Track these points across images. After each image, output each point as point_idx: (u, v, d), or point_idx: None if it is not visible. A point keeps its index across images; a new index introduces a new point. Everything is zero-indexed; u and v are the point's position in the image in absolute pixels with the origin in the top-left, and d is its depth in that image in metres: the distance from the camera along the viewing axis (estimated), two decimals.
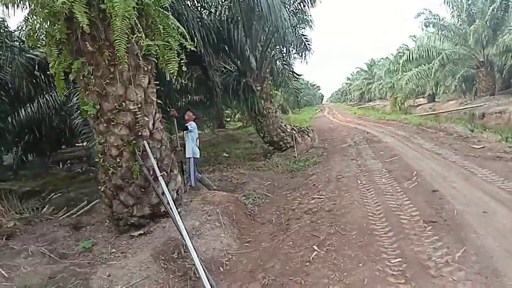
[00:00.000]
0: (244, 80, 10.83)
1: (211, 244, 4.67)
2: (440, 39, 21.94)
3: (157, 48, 4.99)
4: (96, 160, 5.24)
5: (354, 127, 18.42)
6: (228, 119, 30.52)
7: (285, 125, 12.13)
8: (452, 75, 24.27)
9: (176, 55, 5.07)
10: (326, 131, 18.17)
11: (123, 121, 4.80)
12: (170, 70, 4.97)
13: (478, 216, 4.19)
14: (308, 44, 13.32)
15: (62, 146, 17.89)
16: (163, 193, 5.06)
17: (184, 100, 15.82)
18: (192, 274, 4.04)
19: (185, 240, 3.85)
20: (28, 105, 10.80)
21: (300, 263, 3.87)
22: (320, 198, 6.03)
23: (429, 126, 14.44)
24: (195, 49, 8.65)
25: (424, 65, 22.63)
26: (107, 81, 4.69)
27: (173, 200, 5.32)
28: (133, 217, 5.01)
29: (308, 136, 12.40)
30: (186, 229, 3.96)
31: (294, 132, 11.96)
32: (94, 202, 7.69)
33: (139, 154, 4.83)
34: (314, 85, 77.43)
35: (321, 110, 53.54)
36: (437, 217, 4.31)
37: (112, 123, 4.79)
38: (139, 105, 4.90)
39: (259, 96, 11.46)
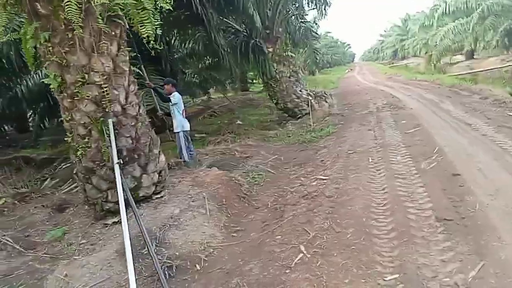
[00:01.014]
0: (253, 41, 9.90)
1: (190, 236, 4.12)
2: None
3: (127, 8, 4.30)
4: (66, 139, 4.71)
5: (381, 89, 17.12)
6: (255, 81, 29.35)
7: (300, 90, 11.22)
8: (494, 29, 21.87)
9: (152, 15, 4.36)
10: (351, 94, 17.02)
11: (88, 96, 4.18)
12: (144, 34, 4.28)
13: (505, 215, 3.37)
14: None
15: None
16: (142, 175, 4.58)
17: (198, 65, 15.03)
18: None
19: (144, 237, 3.30)
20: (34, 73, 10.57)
21: (280, 268, 3.26)
22: (324, 179, 5.32)
23: (463, 88, 13.07)
24: (195, 9, 7.91)
25: (462, 18, 20.50)
26: (66, 49, 4.05)
27: (155, 183, 4.85)
28: (108, 202, 4.53)
29: (326, 101, 11.51)
30: (142, 227, 3.37)
31: (310, 98, 11.09)
32: None
33: (107, 133, 4.24)
34: (344, 43, 73.81)
35: (351, 69, 51.08)
36: (453, 213, 3.53)
37: (76, 98, 4.20)
38: (106, 77, 4.25)
39: (271, 58, 10.56)
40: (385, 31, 68.88)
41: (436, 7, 26.34)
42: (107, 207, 4.55)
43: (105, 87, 4.20)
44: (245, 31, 10.39)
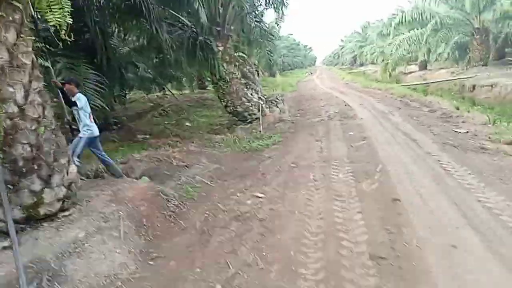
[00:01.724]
0: (201, 37, 9.28)
1: (95, 266, 3.48)
2: (436, 1, 20.12)
3: None
4: None
5: (335, 96, 17.10)
6: None
7: (251, 94, 10.75)
8: (446, 41, 22.56)
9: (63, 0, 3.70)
10: (306, 99, 16.84)
11: None
12: (51, 21, 3.60)
13: (442, 254, 3.05)
14: None
15: None
16: (43, 189, 3.87)
17: (148, 59, 14.11)
18: None
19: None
20: None
21: None
22: (260, 197, 4.86)
23: (414, 99, 13.23)
24: None
25: (417, 29, 20.95)
26: None
27: (62, 199, 4.15)
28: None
29: (277, 107, 11.12)
30: (17, 259, 2.72)
31: (261, 102, 10.64)
32: None
33: None
34: (306, 46, 74.65)
35: (311, 73, 51.58)
36: (388, 250, 3.18)
37: None
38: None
39: (221, 57, 9.99)
40: (345, 36, 70.27)
41: (393, 16, 26.88)
42: None
43: None
44: (193, 26, 9.74)
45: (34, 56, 4.02)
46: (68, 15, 3.70)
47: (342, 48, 74.59)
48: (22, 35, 3.71)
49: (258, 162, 6.96)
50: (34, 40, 4.02)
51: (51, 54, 8.05)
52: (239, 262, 3.34)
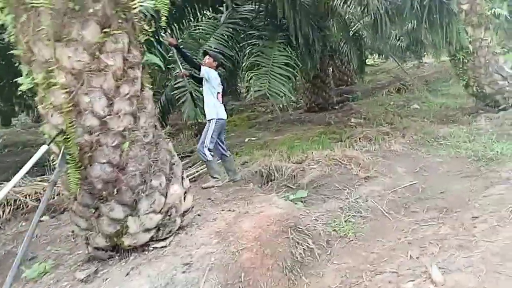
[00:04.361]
0: None
1: None
2: None
3: None
4: None
5: None
6: None
7: (511, 67, 7.20)
8: None
9: None
10: None
11: (52, 102, 3.00)
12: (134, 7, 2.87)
13: None
14: None
15: None
16: (127, 216, 3.22)
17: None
18: None
19: None
20: None
21: None
22: (435, 283, 2.62)
23: None
24: None
25: None
26: (28, 37, 2.92)
27: (155, 228, 3.40)
28: (88, 246, 3.41)
29: None
30: None
31: None
32: None
33: (62, 157, 3.01)
34: None
35: None
36: None
37: (42, 105, 3.10)
38: (75, 76, 2.94)
39: (464, 19, 7.05)
40: None
41: None
42: (87, 252, 3.45)
43: (67, 91, 2.91)
44: None
45: (136, 54, 3.30)
46: None
47: None
48: (106, 30, 3.01)
49: (483, 185, 4.30)
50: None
51: (248, 38, 7.65)
52: None
